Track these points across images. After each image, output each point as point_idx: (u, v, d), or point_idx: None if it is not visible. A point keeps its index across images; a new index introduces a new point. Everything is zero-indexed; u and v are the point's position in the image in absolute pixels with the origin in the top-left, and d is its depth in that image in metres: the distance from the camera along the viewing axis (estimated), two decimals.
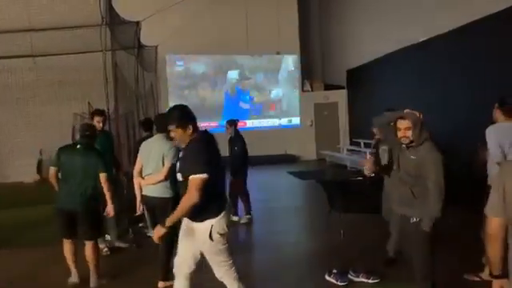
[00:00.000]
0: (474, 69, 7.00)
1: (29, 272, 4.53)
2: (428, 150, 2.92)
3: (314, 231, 5.99)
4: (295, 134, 14.28)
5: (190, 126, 2.82)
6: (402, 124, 2.95)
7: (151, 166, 3.91)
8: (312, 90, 14.72)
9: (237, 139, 6.24)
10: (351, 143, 13.53)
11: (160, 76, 12.97)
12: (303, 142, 14.28)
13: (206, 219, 2.79)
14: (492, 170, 3.65)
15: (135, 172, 4.03)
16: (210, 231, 2.77)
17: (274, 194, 8.64)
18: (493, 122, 3.70)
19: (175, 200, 3.73)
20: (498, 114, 3.66)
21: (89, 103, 8.51)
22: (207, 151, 2.78)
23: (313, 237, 5.73)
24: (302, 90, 14.66)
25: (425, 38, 8.64)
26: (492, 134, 3.58)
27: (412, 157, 2.94)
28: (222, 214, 2.83)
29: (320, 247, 5.07)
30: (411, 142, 2.95)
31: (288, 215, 6.79)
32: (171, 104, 12.65)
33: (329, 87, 14.75)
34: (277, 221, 6.47)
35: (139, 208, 4.00)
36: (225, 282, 2.94)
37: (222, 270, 2.90)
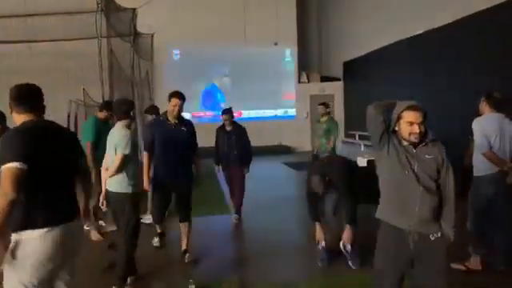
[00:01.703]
0: (469, 63, 7.03)
1: None
2: (439, 146, 2.45)
3: (306, 220, 6.04)
4: (291, 126, 14.31)
5: (14, 111, 2.30)
6: (416, 117, 2.34)
7: (110, 157, 3.59)
8: (308, 82, 14.72)
9: (241, 129, 5.82)
10: (346, 135, 13.58)
11: (156, 64, 12.92)
12: (299, 133, 14.31)
13: (17, 230, 2.14)
14: (477, 161, 3.72)
15: (103, 164, 3.76)
16: (15, 245, 2.12)
17: (269, 184, 8.69)
18: (480, 115, 3.77)
19: (135, 196, 3.60)
20: (484, 106, 3.74)
21: (84, 90, 8.47)
22: (23, 141, 2.15)
23: (305, 226, 5.77)
24: (299, 82, 14.66)
25: (421, 31, 8.65)
26: (478, 126, 3.66)
27: (427, 156, 2.40)
28: (45, 229, 2.16)
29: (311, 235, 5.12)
30: (421, 139, 2.39)
31: (281, 204, 6.83)
32: (166, 93, 12.63)
33: (325, 79, 14.76)
34: (270, 210, 6.51)
35: (101, 203, 3.63)
36: None
37: None
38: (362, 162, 6.49)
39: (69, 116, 10.54)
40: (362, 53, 12.11)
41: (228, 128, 5.79)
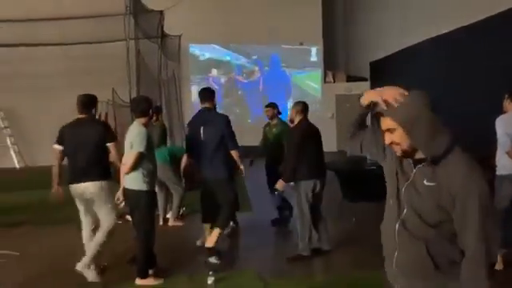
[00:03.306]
0: (500, 61, 6.85)
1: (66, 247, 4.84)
2: (457, 169, 1.47)
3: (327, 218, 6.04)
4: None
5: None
6: (383, 123, 1.61)
7: (128, 154, 3.62)
8: (334, 82, 14.63)
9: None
10: None
11: (182, 65, 13.20)
12: (324, 133, 14.13)
13: None
14: (501, 160, 3.66)
15: (123, 160, 3.74)
16: None
17: None
18: (504, 113, 3.71)
19: (150, 194, 3.61)
20: (507, 104, 3.68)
21: (113, 90, 8.79)
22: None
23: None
24: (324, 82, 14.60)
25: (448, 30, 8.47)
26: (500, 124, 3.60)
27: (427, 183, 1.51)
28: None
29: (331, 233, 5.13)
30: (411, 154, 1.56)
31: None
32: (193, 92, 12.92)
33: (351, 79, 14.62)
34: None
35: (117, 198, 3.69)
36: None
37: None
38: None
39: (100, 115, 10.96)
40: (388, 52, 11.94)
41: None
